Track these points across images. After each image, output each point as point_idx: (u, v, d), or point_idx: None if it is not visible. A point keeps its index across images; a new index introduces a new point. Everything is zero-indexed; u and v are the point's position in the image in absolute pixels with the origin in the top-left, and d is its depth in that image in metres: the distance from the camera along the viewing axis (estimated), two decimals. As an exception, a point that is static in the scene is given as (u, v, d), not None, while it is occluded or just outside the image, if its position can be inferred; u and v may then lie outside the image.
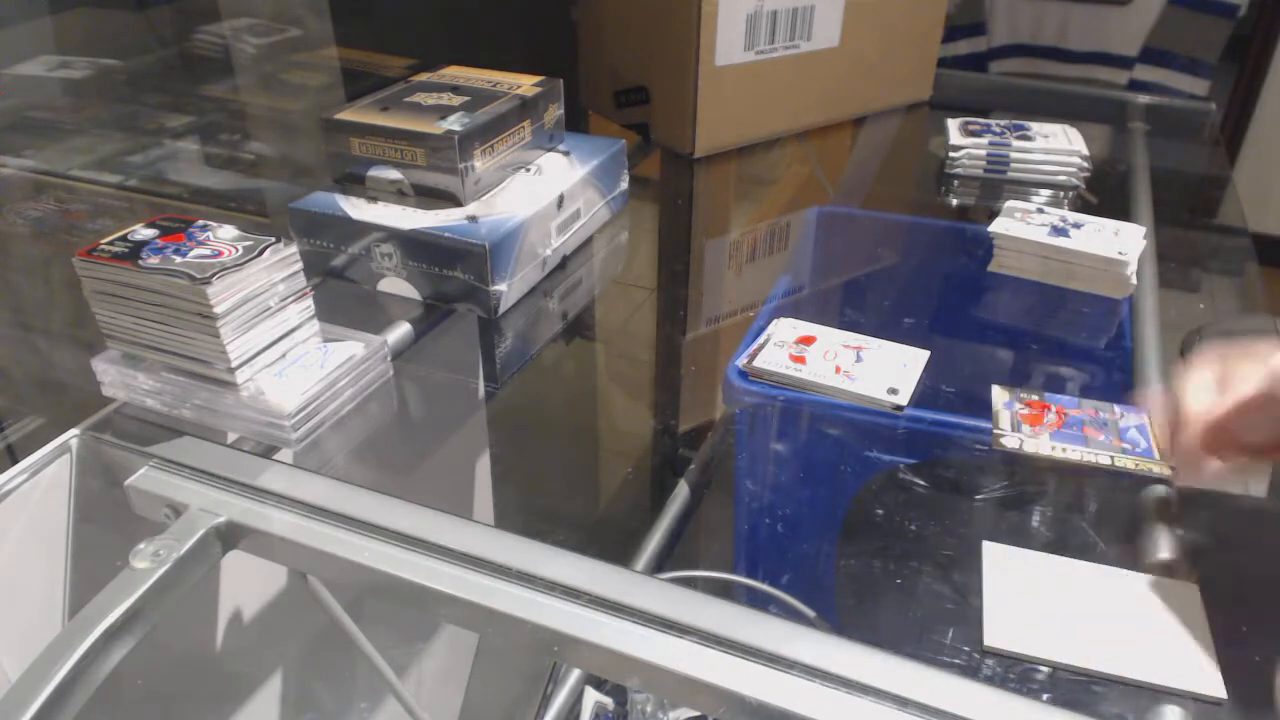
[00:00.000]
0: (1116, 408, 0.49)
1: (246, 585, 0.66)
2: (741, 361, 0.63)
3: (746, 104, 0.98)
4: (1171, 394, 0.43)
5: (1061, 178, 0.93)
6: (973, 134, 0.95)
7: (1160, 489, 0.51)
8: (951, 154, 0.95)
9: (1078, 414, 0.43)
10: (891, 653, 0.39)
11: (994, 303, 0.78)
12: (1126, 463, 0.49)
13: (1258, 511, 0.59)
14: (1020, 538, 0.66)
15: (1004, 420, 0.47)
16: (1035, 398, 0.47)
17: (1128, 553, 0.49)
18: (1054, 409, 0.43)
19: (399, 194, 0.69)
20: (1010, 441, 0.48)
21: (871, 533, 0.64)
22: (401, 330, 0.63)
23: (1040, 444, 0.48)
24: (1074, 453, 0.47)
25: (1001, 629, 0.44)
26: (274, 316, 0.53)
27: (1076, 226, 0.75)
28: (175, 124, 0.91)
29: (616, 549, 0.70)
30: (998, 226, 0.76)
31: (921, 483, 0.65)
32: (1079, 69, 1.83)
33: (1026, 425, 0.43)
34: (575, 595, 0.42)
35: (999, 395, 0.46)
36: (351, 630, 0.53)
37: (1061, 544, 0.64)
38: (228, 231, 0.53)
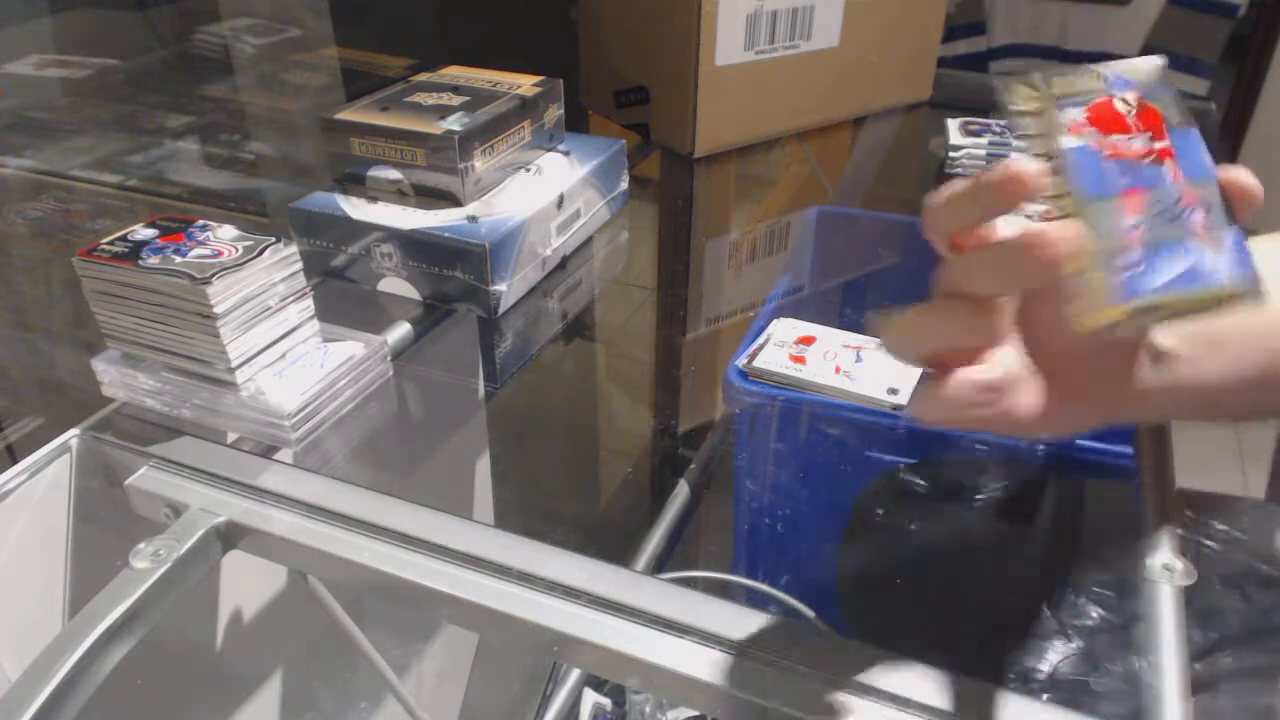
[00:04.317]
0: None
1: (246, 585, 0.66)
2: (741, 361, 0.63)
3: (746, 104, 0.98)
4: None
5: (1061, 178, 0.93)
6: (973, 134, 0.95)
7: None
8: (951, 154, 0.95)
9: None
10: (891, 653, 0.39)
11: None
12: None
13: (1257, 511, 0.59)
14: (1020, 537, 0.66)
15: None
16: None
17: (1126, 552, 0.49)
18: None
19: (399, 194, 0.69)
20: None
21: (872, 532, 0.64)
22: (401, 330, 0.63)
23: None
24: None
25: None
26: (274, 316, 0.53)
27: None
28: (175, 124, 0.91)
29: (616, 549, 0.70)
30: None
31: (921, 483, 0.65)
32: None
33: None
34: (575, 595, 0.42)
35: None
36: (351, 630, 0.53)
37: (1059, 543, 0.64)
38: (228, 231, 0.53)
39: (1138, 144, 0.32)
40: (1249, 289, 0.31)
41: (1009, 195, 0.31)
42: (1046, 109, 0.32)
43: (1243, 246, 0.32)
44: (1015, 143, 0.32)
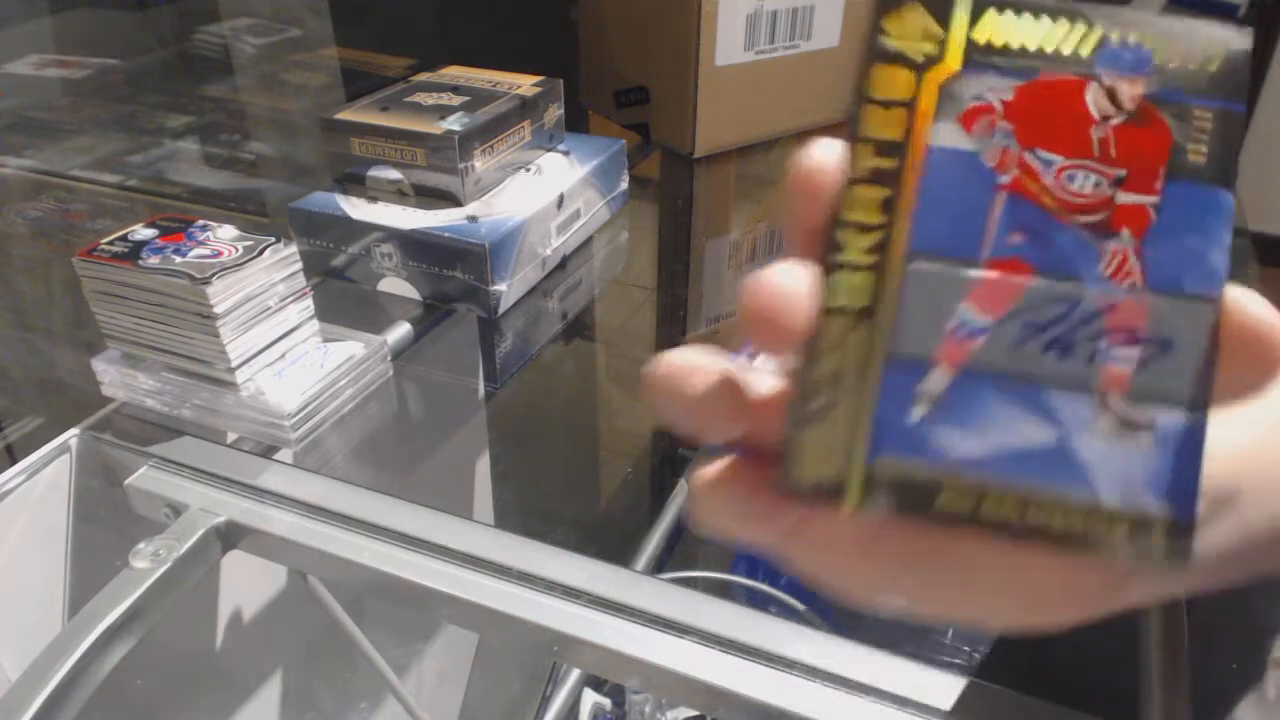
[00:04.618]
0: None
1: (246, 585, 0.66)
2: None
3: (746, 104, 0.98)
4: None
5: (1061, 178, 0.92)
6: (973, 134, 0.95)
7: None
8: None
9: None
10: (891, 653, 0.39)
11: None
12: None
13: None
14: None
15: None
16: None
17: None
18: None
19: (399, 194, 0.69)
20: None
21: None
22: (401, 330, 0.63)
23: None
24: None
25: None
26: (274, 316, 0.53)
27: None
28: (175, 124, 0.91)
29: (616, 549, 0.70)
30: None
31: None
32: (1079, 69, 1.83)
33: None
34: (575, 595, 0.42)
35: None
36: (351, 630, 0.53)
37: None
38: (228, 231, 0.53)
39: (1082, 182, 0.17)
40: (1163, 541, 0.17)
41: (793, 201, 0.19)
42: (938, 65, 0.18)
43: (1192, 448, 0.16)
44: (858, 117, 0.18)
